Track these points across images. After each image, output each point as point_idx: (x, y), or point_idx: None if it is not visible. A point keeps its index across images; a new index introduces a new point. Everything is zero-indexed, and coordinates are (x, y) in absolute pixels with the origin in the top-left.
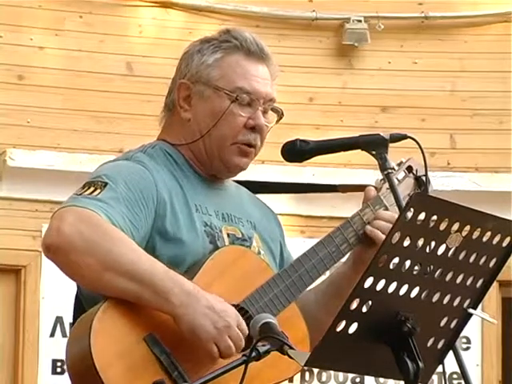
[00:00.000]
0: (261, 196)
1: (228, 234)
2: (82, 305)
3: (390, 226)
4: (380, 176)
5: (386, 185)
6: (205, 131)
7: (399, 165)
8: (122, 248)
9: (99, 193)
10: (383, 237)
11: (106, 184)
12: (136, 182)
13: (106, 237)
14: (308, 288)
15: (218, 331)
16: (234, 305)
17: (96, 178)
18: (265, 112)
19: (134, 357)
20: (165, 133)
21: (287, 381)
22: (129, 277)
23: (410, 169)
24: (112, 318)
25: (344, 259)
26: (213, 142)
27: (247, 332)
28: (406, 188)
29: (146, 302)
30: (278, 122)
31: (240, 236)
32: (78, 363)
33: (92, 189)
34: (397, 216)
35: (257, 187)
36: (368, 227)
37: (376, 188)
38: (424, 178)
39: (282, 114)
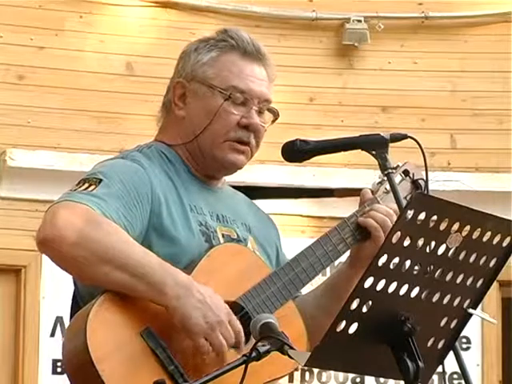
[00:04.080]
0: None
1: (223, 235)
2: (79, 305)
3: (384, 216)
4: (380, 176)
5: (383, 188)
6: (199, 129)
7: (395, 168)
8: (114, 240)
9: (93, 189)
10: (376, 225)
11: (101, 180)
12: (131, 180)
13: (99, 229)
14: (305, 286)
15: (208, 325)
16: (230, 301)
17: (91, 175)
18: (260, 112)
19: (131, 350)
20: (162, 133)
21: (287, 380)
22: (122, 268)
23: (406, 172)
24: (108, 311)
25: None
26: (206, 140)
27: (239, 328)
28: (402, 191)
29: (140, 294)
30: (273, 122)
31: (235, 237)
32: (75, 357)
33: (86, 185)
34: (391, 210)
35: (254, 193)
36: (360, 218)
37: (372, 191)
38: (420, 182)
39: (278, 114)
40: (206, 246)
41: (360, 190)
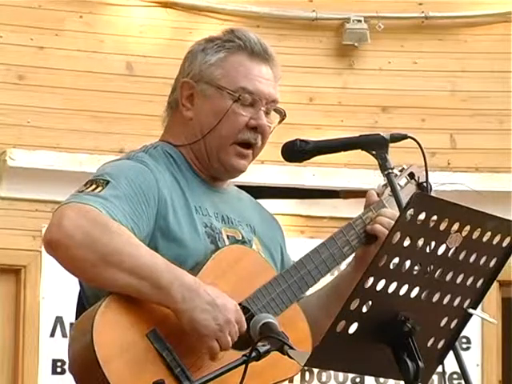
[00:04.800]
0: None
1: (228, 236)
2: (85, 306)
3: (392, 222)
4: (380, 176)
5: (388, 190)
6: (206, 130)
7: (401, 171)
8: (121, 242)
9: (101, 190)
10: (385, 230)
11: (108, 182)
12: (138, 181)
13: (106, 231)
14: (310, 288)
15: (219, 327)
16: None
17: (98, 176)
18: (267, 113)
19: (137, 351)
20: (167, 133)
21: (287, 380)
22: (128, 271)
23: (411, 175)
24: (115, 313)
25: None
26: (213, 142)
27: (245, 327)
28: (407, 194)
29: (147, 297)
30: (280, 123)
31: (240, 238)
32: (81, 357)
33: (94, 186)
34: (398, 214)
35: (258, 192)
36: (368, 226)
37: (378, 193)
38: (426, 185)
39: (285, 115)
40: (212, 248)
41: (366, 191)
